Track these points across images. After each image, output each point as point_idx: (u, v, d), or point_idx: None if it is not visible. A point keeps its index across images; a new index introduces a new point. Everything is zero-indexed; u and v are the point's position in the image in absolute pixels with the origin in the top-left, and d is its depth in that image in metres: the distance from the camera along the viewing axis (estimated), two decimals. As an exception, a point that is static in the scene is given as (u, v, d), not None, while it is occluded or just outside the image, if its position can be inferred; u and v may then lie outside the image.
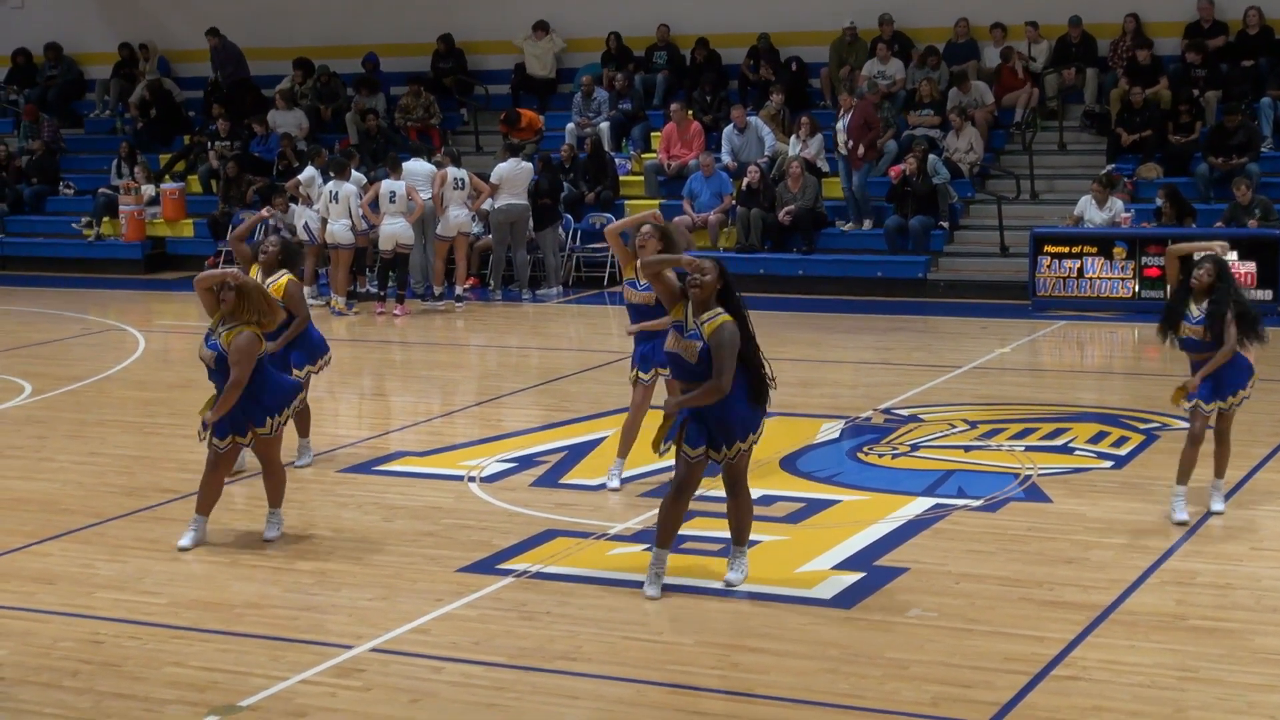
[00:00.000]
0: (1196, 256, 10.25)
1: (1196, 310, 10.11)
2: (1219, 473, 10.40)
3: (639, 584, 8.96)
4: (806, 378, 15.44)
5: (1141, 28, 22.49)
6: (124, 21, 28.57)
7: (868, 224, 21.37)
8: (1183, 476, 10.25)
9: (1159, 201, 19.55)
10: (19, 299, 22.01)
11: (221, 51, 26.50)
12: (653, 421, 9.39)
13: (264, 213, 11.69)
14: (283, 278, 11.40)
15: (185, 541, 9.90)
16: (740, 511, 9.09)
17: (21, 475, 12.01)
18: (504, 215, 20.92)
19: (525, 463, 12.08)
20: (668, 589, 8.92)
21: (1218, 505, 10.36)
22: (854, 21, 23.69)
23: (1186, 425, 10.46)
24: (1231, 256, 15.97)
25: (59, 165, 26.76)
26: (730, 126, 22.69)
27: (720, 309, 8.71)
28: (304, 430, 12.03)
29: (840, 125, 21.22)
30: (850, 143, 21.01)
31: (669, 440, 8.88)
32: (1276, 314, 18.32)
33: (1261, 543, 9.84)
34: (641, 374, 10.93)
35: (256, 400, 9.80)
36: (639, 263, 9.65)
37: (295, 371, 11.40)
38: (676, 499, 8.89)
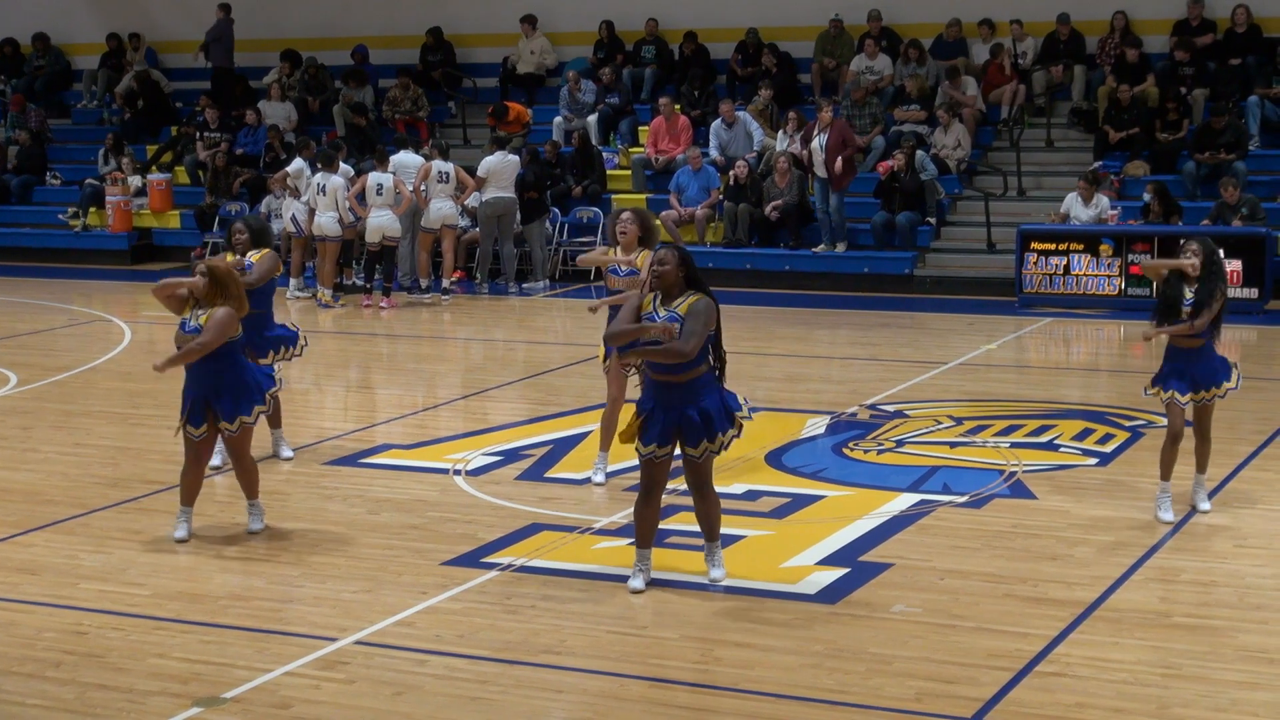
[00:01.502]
0: (1182, 242, 10.24)
1: (1189, 293, 10.06)
2: (1200, 468, 10.38)
3: (623, 578, 8.95)
4: (792, 373, 15.46)
5: (1130, 25, 22.54)
6: (112, 12, 28.52)
7: (841, 247, 21.05)
8: (1165, 474, 10.23)
9: (1146, 199, 19.59)
10: (4, 289, 21.95)
11: (216, 27, 26.30)
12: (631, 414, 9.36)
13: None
14: (260, 253, 11.47)
15: (180, 533, 9.84)
16: (708, 512, 8.94)
17: (6, 466, 11.98)
18: (491, 208, 20.90)
19: (511, 456, 12.07)
20: (652, 584, 8.92)
21: (1203, 504, 10.37)
22: (839, 15, 23.70)
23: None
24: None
25: (46, 155, 26.69)
26: (718, 121, 22.68)
27: (691, 292, 8.69)
28: (276, 421, 12.00)
29: (816, 144, 20.67)
30: (827, 161, 20.47)
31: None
32: (1262, 312, 18.38)
33: (1245, 540, 9.84)
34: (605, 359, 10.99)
35: (247, 391, 9.76)
36: (605, 336, 9.54)
37: (261, 359, 11.41)
38: (646, 500, 8.82)
